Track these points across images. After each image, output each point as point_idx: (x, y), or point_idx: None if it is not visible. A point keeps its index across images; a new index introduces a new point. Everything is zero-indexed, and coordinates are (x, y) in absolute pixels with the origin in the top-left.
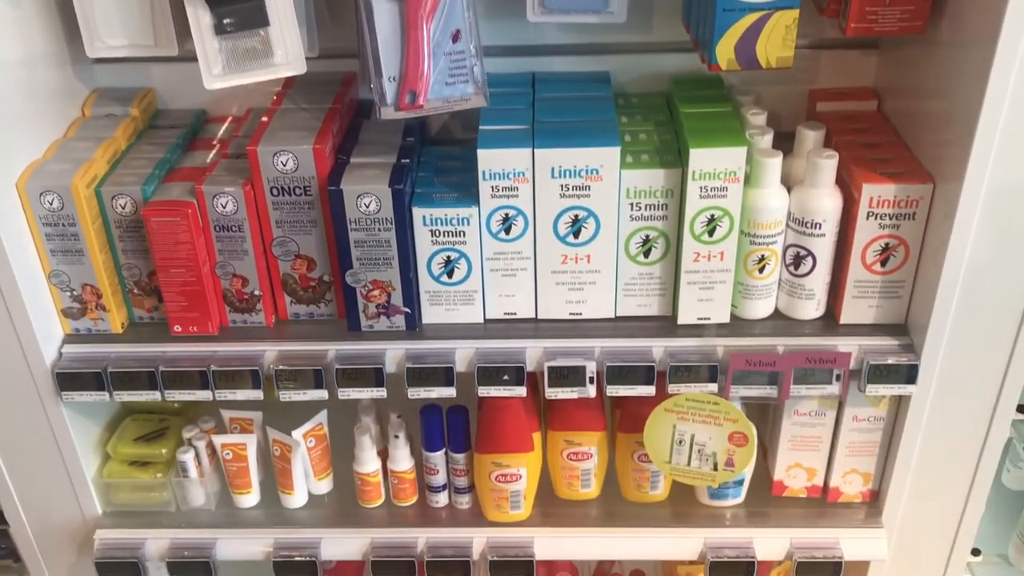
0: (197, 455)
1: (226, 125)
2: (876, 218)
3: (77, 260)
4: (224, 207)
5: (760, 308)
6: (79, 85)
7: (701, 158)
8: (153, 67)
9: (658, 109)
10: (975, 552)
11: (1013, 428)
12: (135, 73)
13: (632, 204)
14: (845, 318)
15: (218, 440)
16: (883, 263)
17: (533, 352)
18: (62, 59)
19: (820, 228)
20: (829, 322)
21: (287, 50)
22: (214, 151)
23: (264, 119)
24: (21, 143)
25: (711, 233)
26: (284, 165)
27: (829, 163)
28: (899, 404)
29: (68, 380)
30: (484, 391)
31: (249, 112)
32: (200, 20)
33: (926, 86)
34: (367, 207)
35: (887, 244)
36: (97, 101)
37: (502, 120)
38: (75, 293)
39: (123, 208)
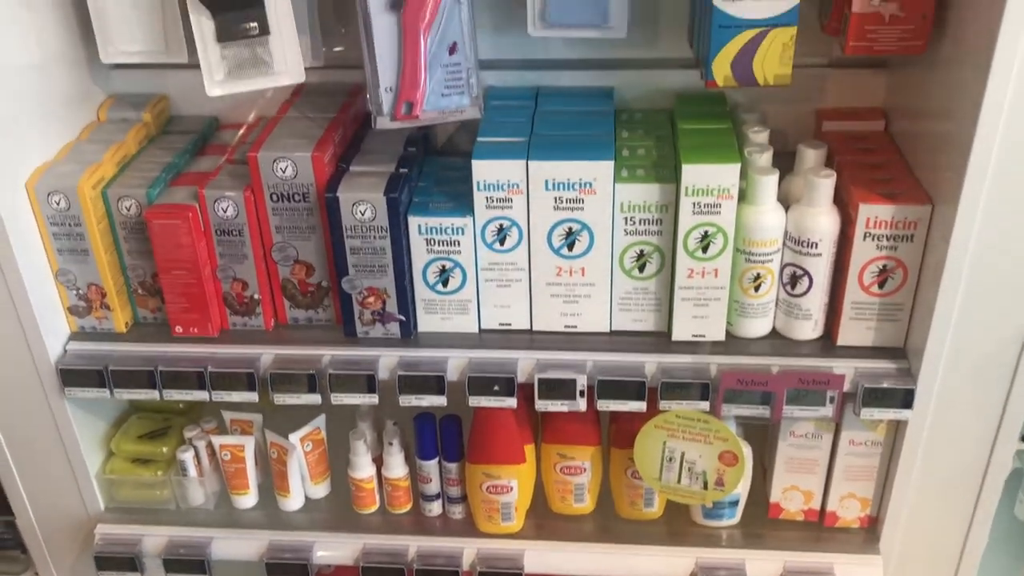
0: (197, 455)
1: (234, 133)
2: (873, 239)
3: (83, 259)
4: (225, 211)
5: (756, 327)
6: (95, 89)
7: (694, 174)
8: (168, 74)
9: (660, 125)
10: None
11: (1020, 458)
12: (151, 79)
13: (626, 218)
14: (843, 340)
15: (217, 440)
16: (881, 285)
17: (525, 364)
18: (79, 63)
19: (816, 248)
20: (827, 343)
21: (287, 59)
22: (220, 157)
23: (268, 126)
24: (34, 145)
25: (705, 250)
26: (284, 172)
27: (826, 182)
28: (897, 429)
29: (71, 376)
30: (475, 401)
31: (259, 119)
32: (203, 28)
33: (929, 106)
34: (362, 214)
35: (885, 266)
36: (112, 106)
37: (501, 132)
38: (81, 292)
39: (128, 210)
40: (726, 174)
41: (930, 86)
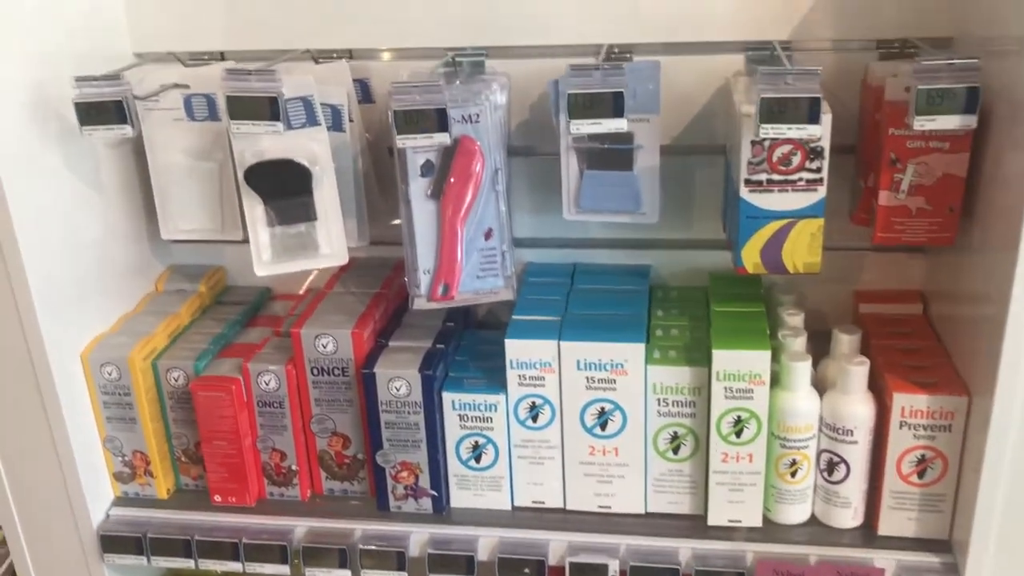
0: None
1: (284, 304)
2: (910, 428)
3: (130, 428)
4: (267, 384)
5: (794, 513)
6: (154, 262)
7: (724, 359)
8: (225, 247)
9: (697, 304)
10: None
11: None
12: (209, 252)
13: (659, 400)
14: (884, 530)
15: None
16: (920, 475)
17: (557, 546)
18: (140, 238)
19: (852, 435)
20: (868, 532)
21: (331, 243)
22: (268, 329)
23: (313, 301)
24: (93, 316)
25: (738, 434)
26: (325, 347)
27: (860, 370)
28: None
29: (111, 543)
30: None
31: (309, 291)
32: (254, 212)
33: (964, 291)
34: (398, 390)
35: (923, 455)
36: (170, 277)
37: (536, 310)
38: (126, 458)
39: (176, 381)
40: (757, 360)
41: (965, 270)
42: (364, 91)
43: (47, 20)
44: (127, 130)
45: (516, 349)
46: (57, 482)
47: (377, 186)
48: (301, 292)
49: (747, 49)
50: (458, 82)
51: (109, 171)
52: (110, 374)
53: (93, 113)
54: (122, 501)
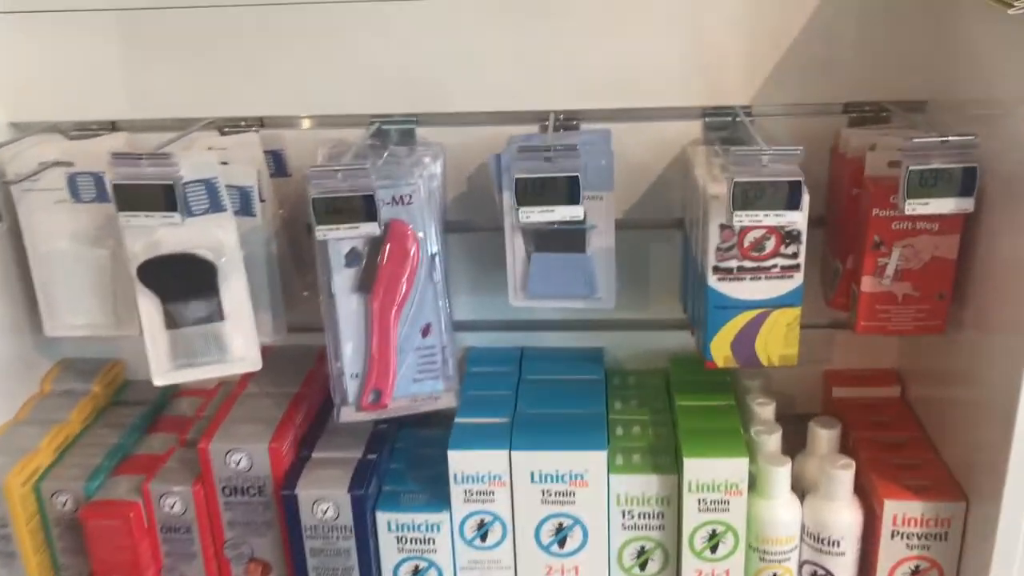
0: None
1: (192, 400)
2: (902, 537)
3: (8, 563)
4: (172, 507)
5: None
6: (39, 358)
7: (697, 468)
8: (122, 339)
9: (656, 392)
10: None
11: None
12: (104, 345)
13: (623, 512)
14: None
15: None
16: None
17: None
18: (20, 330)
19: (839, 546)
20: None
21: (243, 345)
22: (173, 436)
23: (224, 403)
24: None
25: (714, 549)
26: (237, 464)
27: (846, 475)
28: None
29: None
30: None
31: (219, 387)
32: (151, 313)
33: (954, 375)
34: (324, 513)
35: (917, 566)
36: (59, 376)
37: (481, 410)
38: None
39: (63, 506)
40: (734, 469)
41: (953, 352)
42: (278, 163)
43: None
44: None
45: (461, 461)
46: None
47: (294, 266)
48: (211, 387)
49: (705, 115)
50: (385, 155)
51: None
52: None
53: None
54: None
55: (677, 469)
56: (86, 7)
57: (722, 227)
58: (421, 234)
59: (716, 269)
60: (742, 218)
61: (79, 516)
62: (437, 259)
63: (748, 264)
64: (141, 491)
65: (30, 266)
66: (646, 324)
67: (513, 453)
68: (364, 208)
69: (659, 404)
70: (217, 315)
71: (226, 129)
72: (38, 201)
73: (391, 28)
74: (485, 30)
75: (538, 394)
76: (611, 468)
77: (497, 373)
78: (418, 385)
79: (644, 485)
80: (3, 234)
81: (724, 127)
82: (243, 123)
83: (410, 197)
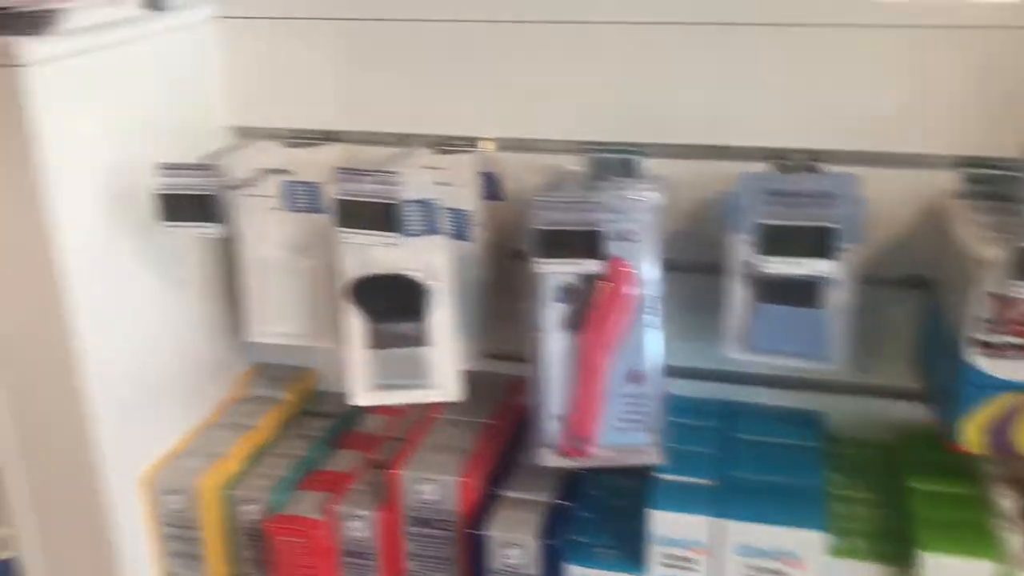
0: None
1: (380, 419)
2: None
3: (190, 565)
4: (356, 531)
5: None
6: (235, 360)
7: (938, 567)
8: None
9: (881, 467)
10: None
11: None
12: (296, 351)
13: None
14: None
15: None
16: None
17: None
18: (221, 334)
19: None
20: None
21: (444, 374)
22: (360, 454)
23: (416, 427)
24: (160, 427)
25: None
26: (427, 495)
27: None
28: None
29: None
30: None
31: (409, 408)
32: (356, 331)
33: None
34: (510, 558)
35: None
36: (252, 380)
37: (684, 465)
38: None
39: (249, 515)
40: (979, 571)
41: None
42: (489, 185)
43: (130, 87)
44: (215, 229)
45: (661, 523)
46: None
47: (493, 292)
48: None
49: (961, 165)
50: (608, 187)
51: (191, 261)
52: (175, 504)
53: (176, 207)
54: None
55: (907, 562)
56: (307, 15)
57: (991, 296)
58: (640, 273)
59: (978, 342)
60: (1021, 289)
61: (265, 528)
62: (655, 301)
63: (1017, 341)
64: (327, 510)
65: (241, 270)
66: (871, 390)
67: (720, 521)
68: (588, 244)
69: (884, 482)
70: (422, 339)
71: (443, 147)
72: (255, 207)
73: (613, 53)
74: (712, 57)
75: (748, 456)
76: (830, 551)
77: (700, 427)
78: (620, 434)
79: (867, 574)
80: (218, 237)
81: (988, 180)
82: (456, 142)
83: (634, 234)
